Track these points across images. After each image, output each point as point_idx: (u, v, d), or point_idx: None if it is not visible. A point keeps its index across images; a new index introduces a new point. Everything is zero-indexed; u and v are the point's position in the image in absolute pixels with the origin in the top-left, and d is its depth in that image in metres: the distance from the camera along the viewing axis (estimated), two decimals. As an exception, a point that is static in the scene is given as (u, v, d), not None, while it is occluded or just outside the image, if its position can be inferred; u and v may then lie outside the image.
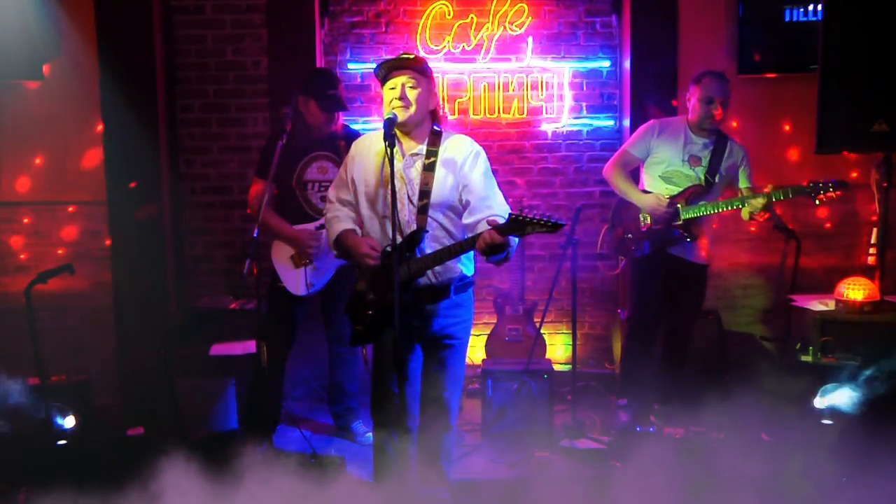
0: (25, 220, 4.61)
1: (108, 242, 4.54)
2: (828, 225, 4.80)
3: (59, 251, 4.61)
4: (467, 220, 2.74)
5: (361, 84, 4.87)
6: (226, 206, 4.75)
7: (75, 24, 4.41)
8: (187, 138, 4.72)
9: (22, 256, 4.62)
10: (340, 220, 2.87)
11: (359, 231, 2.89)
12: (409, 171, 2.77)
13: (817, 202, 3.66)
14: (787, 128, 4.78)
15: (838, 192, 3.60)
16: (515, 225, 2.46)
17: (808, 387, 3.51)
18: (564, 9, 4.88)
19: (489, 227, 2.48)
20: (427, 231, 2.72)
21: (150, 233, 4.47)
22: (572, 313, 3.88)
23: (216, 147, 4.73)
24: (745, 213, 3.76)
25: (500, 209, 2.72)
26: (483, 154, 2.81)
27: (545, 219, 2.43)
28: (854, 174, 4.64)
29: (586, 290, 4.95)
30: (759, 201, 3.65)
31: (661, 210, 3.78)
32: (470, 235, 2.70)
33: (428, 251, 2.73)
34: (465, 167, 2.75)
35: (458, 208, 2.78)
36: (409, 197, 2.75)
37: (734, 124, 4.68)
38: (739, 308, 4.85)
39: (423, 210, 2.72)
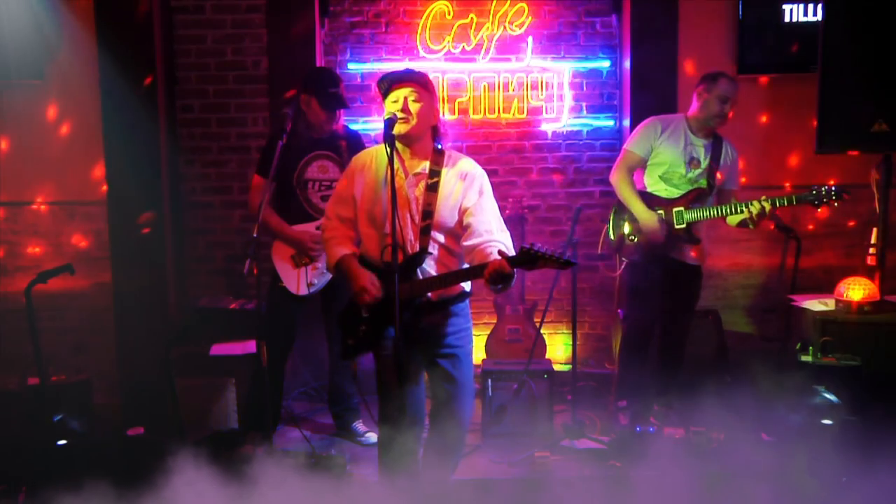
0: (26, 220, 4.61)
1: (108, 242, 4.54)
2: (830, 225, 4.81)
3: (58, 251, 4.61)
4: (466, 242, 2.73)
5: (361, 84, 4.88)
6: (226, 206, 4.75)
7: (75, 24, 4.41)
8: (187, 138, 4.72)
9: (22, 256, 4.62)
10: (339, 241, 2.84)
11: (356, 252, 2.87)
12: (411, 190, 2.75)
13: (819, 209, 3.66)
14: (787, 128, 4.78)
15: (840, 200, 3.59)
16: (527, 258, 2.47)
17: (808, 387, 3.50)
18: (564, 9, 4.89)
19: (500, 258, 2.48)
20: (430, 253, 2.72)
21: (150, 233, 4.47)
22: (572, 313, 3.88)
23: (216, 147, 4.73)
24: (732, 221, 3.75)
25: (500, 234, 2.72)
26: (486, 178, 2.81)
27: (556, 255, 2.45)
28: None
29: (586, 290, 4.95)
30: (762, 207, 3.62)
31: (657, 234, 3.78)
32: (470, 259, 2.71)
33: (430, 272, 2.74)
34: (468, 190, 2.74)
35: (458, 231, 2.77)
36: (411, 216, 2.74)
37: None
38: (739, 308, 4.85)
39: (425, 231, 2.72)
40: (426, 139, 2.78)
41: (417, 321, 2.74)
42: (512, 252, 2.60)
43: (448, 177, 2.75)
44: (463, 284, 2.81)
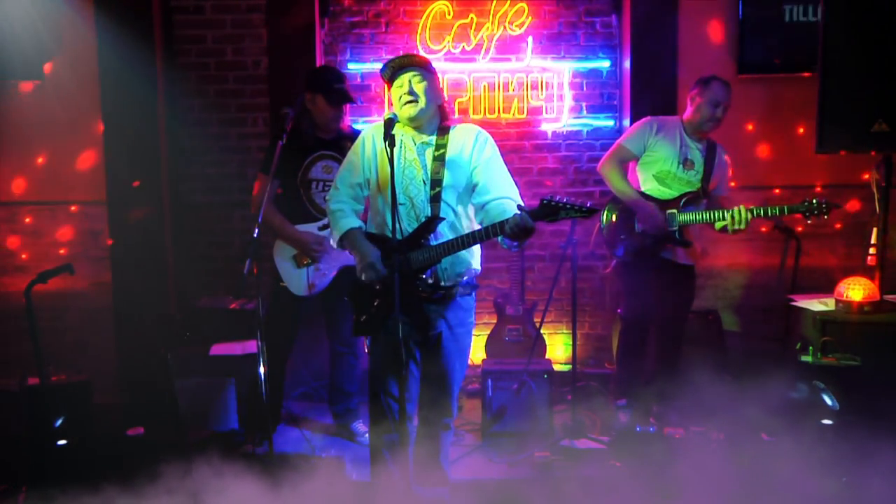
0: (25, 220, 4.61)
1: (108, 242, 4.54)
2: (829, 225, 4.82)
3: (59, 251, 4.61)
4: (476, 200, 2.77)
5: (361, 84, 4.87)
6: (226, 206, 4.75)
7: (75, 25, 4.42)
8: (187, 138, 4.72)
9: (22, 256, 4.62)
10: (345, 214, 2.85)
11: (363, 225, 2.87)
12: (422, 157, 2.79)
13: (809, 221, 3.68)
14: (787, 128, 4.78)
15: (829, 215, 3.63)
16: (549, 210, 2.48)
17: (808, 387, 3.50)
18: (564, 9, 4.89)
19: (520, 212, 2.48)
20: (444, 219, 2.73)
21: (150, 233, 4.47)
22: (572, 313, 3.88)
23: (216, 147, 4.73)
24: (719, 226, 3.76)
25: (509, 190, 2.75)
26: (490, 139, 2.85)
27: (578, 205, 2.45)
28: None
29: (586, 290, 4.95)
30: (751, 215, 3.65)
31: (654, 220, 3.78)
32: (482, 217, 2.72)
33: (442, 238, 2.73)
34: (473, 152, 2.78)
35: (470, 192, 2.81)
36: (423, 182, 2.76)
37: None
38: (739, 308, 4.85)
39: (436, 198, 2.74)
40: (434, 119, 2.83)
41: (427, 304, 2.74)
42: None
43: (453, 145, 2.79)
44: (473, 263, 2.82)
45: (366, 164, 2.85)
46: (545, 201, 2.47)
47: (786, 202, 3.76)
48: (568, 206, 2.45)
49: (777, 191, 4.80)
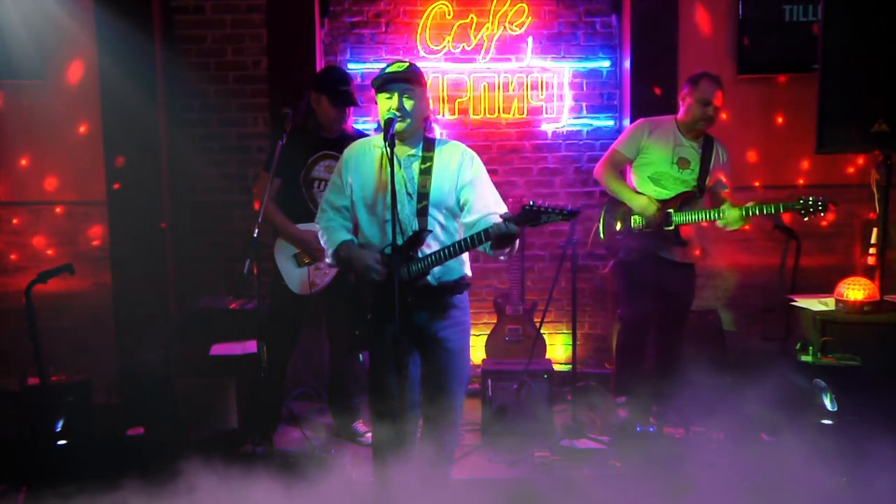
0: (25, 220, 4.61)
1: (108, 242, 4.54)
2: (827, 225, 4.82)
3: (59, 251, 4.61)
4: (466, 218, 2.78)
5: (361, 84, 4.87)
6: (226, 206, 4.75)
7: (76, 25, 4.42)
8: (187, 138, 4.72)
9: (22, 256, 4.62)
10: (336, 229, 2.87)
11: (355, 239, 2.88)
12: (407, 170, 2.79)
13: (806, 219, 3.68)
14: (787, 128, 4.78)
15: (826, 213, 3.62)
16: (530, 215, 2.50)
17: (808, 386, 3.50)
18: (564, 9, 4.89)
19: (502, 220, 2.52)
20: (430, 231, 2.74)
21: (150, 233, 4.47)
22: (572, 313, 3.88)
23: (216, 147, 4.73)
24: (722, 223, 3.76)
25: (498, 207, 2.76)
26: (477, 157, 2.87)
27: (559, 209, 2.48)
28: (851, 169, 4.66)
29: (586, 290, 4.95)
30: (744, 213, 3.65)
31: (651, 213, 3.79)
32: (469, 233, 2.71)
33: (429, 251, 2.74)
34: (460, 170, 2.80)
35: (455, 209, 2.82)
36: (408, 195, 2.77)
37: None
38: (739, 308, 4.85)
39: (422, 212, 2.75)
40: (419, 131, 2.84)
41: (419, 307, 2.75)
42: None
43: (440, 161, 2.80)
44: (465, 270, 2.83)
45: (347, 186, 2.86)
46: (526, 207, 2.51)
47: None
48: (549, 210, 2.49)
49: (778, 191, 4.78)
